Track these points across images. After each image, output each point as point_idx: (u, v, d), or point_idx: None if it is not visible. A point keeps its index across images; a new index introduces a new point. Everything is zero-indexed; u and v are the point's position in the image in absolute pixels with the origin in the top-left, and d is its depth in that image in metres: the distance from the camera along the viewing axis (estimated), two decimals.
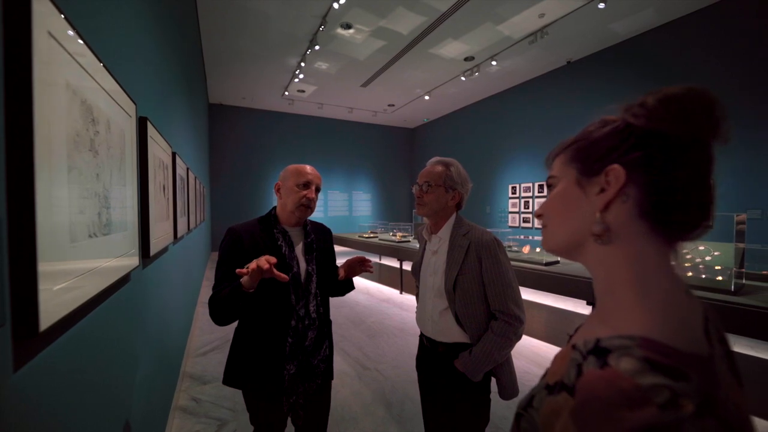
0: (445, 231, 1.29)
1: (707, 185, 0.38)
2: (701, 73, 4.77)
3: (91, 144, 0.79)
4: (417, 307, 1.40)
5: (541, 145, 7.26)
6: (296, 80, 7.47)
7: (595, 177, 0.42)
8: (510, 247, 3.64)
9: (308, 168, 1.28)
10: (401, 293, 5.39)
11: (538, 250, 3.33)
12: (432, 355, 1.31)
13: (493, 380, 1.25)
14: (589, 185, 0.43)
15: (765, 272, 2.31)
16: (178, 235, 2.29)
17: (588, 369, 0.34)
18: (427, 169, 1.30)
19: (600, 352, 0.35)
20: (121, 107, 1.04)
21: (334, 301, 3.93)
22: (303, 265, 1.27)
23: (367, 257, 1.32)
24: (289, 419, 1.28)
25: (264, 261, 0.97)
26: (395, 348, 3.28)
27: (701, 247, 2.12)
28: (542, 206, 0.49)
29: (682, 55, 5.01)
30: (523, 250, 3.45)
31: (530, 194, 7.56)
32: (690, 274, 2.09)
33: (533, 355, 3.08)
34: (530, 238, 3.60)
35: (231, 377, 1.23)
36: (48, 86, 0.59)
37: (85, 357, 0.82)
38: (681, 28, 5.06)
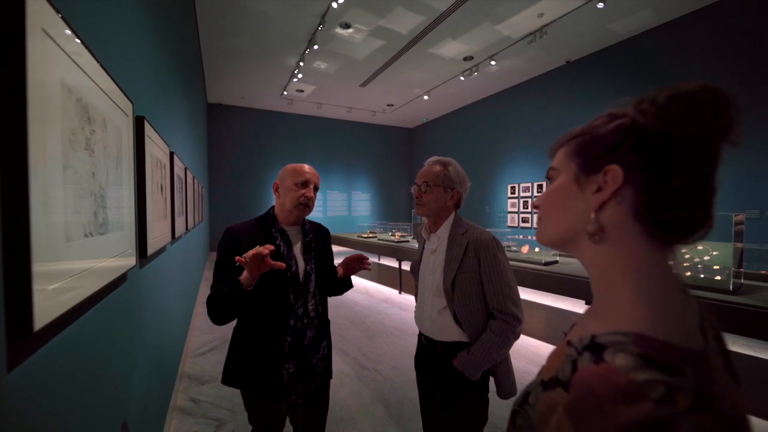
0: (444, 230, 1.29)
1: (709, 188, 0.37)
2: (700, 72, 4.77)
3: (86, 143, 0.79)
4: (416, 306, 1.40)
5: (540, 144, 7.27)
6: (295, 80, 7.46)
7: (593, 175, 0.41)
8: (509, 246, 3.64)
9: (306, 167, 1.28)
10: (400, 293, 5.39)
11: (537, 249, 3.34)
12: (430, 354, 1.31)
13: (492, 380, 1.25)
14: (587, 183, 0.42)
15: (763, 272, 2.31)
16: (176, 234, 2.28)
17: (583, 365, 0.34)
18: (425, 169, 1.30)
19: (595, 348, 0.35)
20: (117, 106, 1.03)
21: (332, 301, 3.93)
22: (301, 264, 1.26)
23: (365, 255, 1.32)
24: (288, 419, 1.27)
25: (263, 248, 1.00)
26: (394, 348, 3.28)
27: (700, 247, 2.13)
28: (540, 198, 0.49)
29: (681, 55, 5.02)
30: (522, 249, 3.45)
31: (529, 194, 7.56)
32: (689, 273, 2.10)
33: (532, 354, 3.08)
34: (529, 237, 3.60)
35: (230, 377, 1.23)
36: (42, 84, 0.59)
37: (82, 357, 0.82)
38: (680, 27, 5.06)
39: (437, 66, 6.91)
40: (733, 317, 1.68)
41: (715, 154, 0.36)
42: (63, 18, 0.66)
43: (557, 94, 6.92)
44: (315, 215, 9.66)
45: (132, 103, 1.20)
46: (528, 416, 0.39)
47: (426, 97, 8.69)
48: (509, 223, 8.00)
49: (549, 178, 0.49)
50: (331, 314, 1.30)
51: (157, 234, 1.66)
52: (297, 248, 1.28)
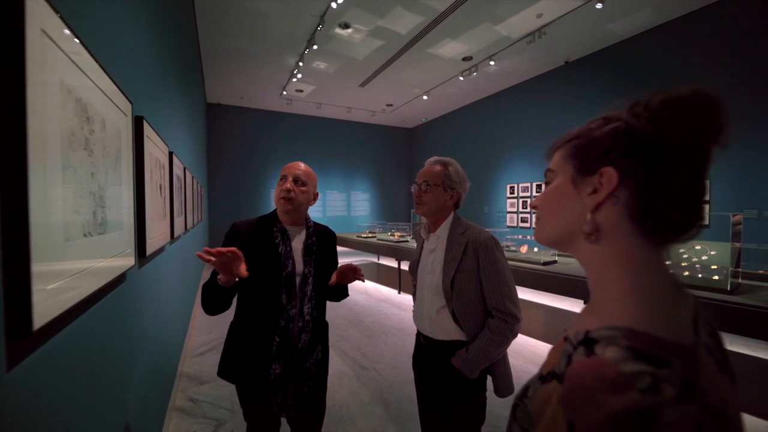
0: (443, 230, 1.30)
1: (700, 189, 0.38)
2: (699, 73, 4.78)
3: (86, 143, 0.79)
4: (414, 305, 1.40)
5: (539, 145, 7.27)
6: (294, 80, 7.45)
7: (589, 176, 0.43)
8: (508, 246, 3.64)
9: (291, 163, 1.28)
10: (399, 293, 5.39)
11: (535, 249, 3.34)
12: (429, 353, 1.32)
13: (489, 378, 1.26)
14: (583, 184, 0.43)
15: (761, 272, 2.32)
16: (175, 234, 2.28)
17: (576, 358, 0.35)
18: (425, 168, 1.31)
19: (588, 342, 0.36)
20: (116, 106, 1.03)
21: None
22: (300, 266, 1.25)
23: (359, 267, 1.22)
24: (285, 420, 1.28)
25: (225, 249, 0.98)
26: (393, 348, 3.28)
27: (698, 247, 2.13)
28: (538, 198, 0.51)
29: (680, 56, 5.03)
30: (520, 249, 3.46)
31: (528, 194, 7.57)
32: (687, 273, 2.10)
33: (531, 354, 3.09)
34: (528, 237, 3.61)
35: (224, 370, 1.25)
36: (42, 85, 0.59)
37: (81, 356, 0.82)
38: (679, 28, 5.07)
39: (436, 66, 6.91)
40: (731, 317, 1.69)
41: (706, 156, 0.37)
42: (62, 18, 0.66)
43: (556, 95, 6.92)
44: (315, 215, 9.65)
45: (131, 103, 1.20)
46: (527, 409, 0.41)
47: (425, 97, 8.69)
48: (508, 223, 8.01)
49: (547, 180, 0.50)
50: (330, 314, 1.30)
51: (156, 234, 1.66)
52: (297, 249, 1.27)
